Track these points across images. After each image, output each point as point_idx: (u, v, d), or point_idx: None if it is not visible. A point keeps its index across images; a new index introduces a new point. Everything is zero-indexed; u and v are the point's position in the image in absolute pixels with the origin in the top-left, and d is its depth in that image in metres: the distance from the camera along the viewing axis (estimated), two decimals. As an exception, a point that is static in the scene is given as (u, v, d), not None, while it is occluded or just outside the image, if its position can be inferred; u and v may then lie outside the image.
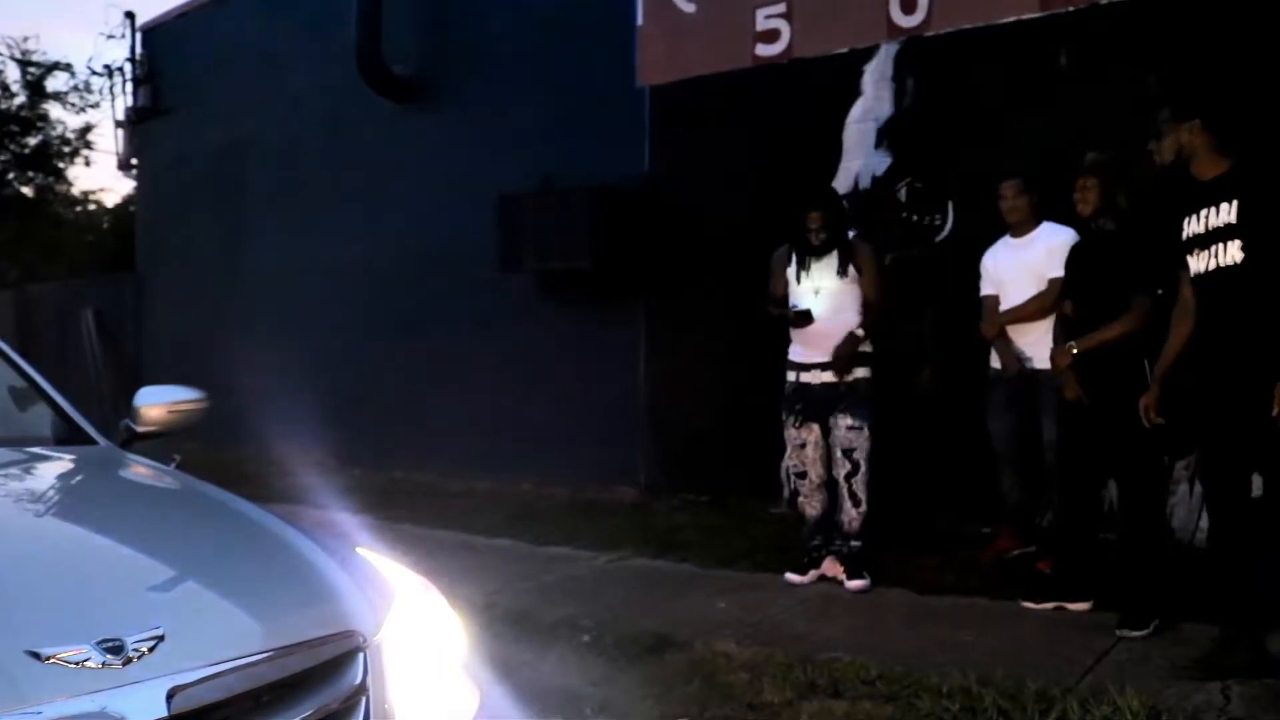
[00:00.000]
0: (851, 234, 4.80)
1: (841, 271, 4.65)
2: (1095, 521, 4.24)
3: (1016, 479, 4.85)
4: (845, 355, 4.63)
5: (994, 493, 4.95)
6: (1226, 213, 3.39)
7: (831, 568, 4.75)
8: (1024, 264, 4.71)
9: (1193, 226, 3.52)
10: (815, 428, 4.74)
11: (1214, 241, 3.43)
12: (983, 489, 5.03)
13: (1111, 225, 4.13)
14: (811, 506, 4.82)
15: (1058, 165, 4.52)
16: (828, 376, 4.67)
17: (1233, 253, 3.37)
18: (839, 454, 4.66)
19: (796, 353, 4.78)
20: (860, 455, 4.61)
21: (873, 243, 4.94)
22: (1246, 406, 3.30)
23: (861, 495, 4.64)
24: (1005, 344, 4.78)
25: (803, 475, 4.80)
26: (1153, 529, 4.05)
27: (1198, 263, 3.51)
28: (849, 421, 4.62)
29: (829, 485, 4.77)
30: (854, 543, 4.68)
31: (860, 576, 4.62)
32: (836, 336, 4.65)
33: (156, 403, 2.88)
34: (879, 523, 4.76)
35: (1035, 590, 4.25)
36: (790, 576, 4.77)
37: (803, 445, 4.78)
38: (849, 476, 4.64)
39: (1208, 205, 3.46)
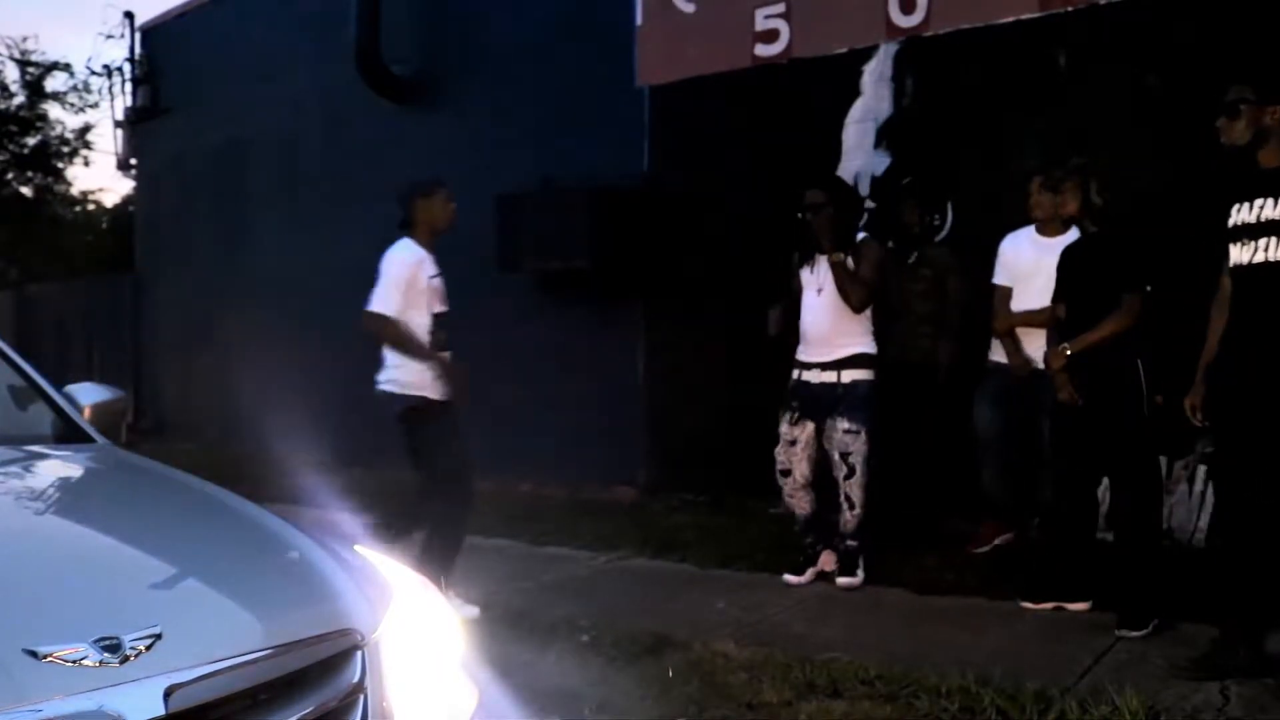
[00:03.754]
0: (861, 235, 4.78)
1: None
2: (1092, 522, 4.24)
3: (996, 468, 4.84)
4: None
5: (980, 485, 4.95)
6: None
7: (828, 560, 4.74)
8: (1048, 267, 4.64)
9: (1242, 215, 3.33)
10: (810, 426, 4.69)
11: (1265, 234, 3.25)
12: (981, 488, 5.03)
13: (1093, 227, 4.14)
14: (800, 505, 4.77)
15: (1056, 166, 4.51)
16: (828, 376, 4.65)
17: None
18: (835, 457, 4.62)
19: (801, 351, 4.76)
20: (856, 459, 4.57)
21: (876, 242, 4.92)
22: (1272, 408, 3.24)
23: (856, 499, 4.60)
24: (1015, 345, 4.73)
25: (787, 473, 4.74)
26: (1150, 529, 4.05)
27: (1240, 253, 3.33)
28: (846, 425, 4.58)
29: (822, 484, 4.74)
30: (849, 542, 4.67)
31: (850, 574, 4.61)
32: (838, 336, 4.63)
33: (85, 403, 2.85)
34: (878, 522, 4.74)
35: (1034, 590, 4.24)
36: (788, 578, 4.75)
37: (793, 442, 4.72)
38: (844, 479, 4.61)
39: (1267, 196, 3.26)
